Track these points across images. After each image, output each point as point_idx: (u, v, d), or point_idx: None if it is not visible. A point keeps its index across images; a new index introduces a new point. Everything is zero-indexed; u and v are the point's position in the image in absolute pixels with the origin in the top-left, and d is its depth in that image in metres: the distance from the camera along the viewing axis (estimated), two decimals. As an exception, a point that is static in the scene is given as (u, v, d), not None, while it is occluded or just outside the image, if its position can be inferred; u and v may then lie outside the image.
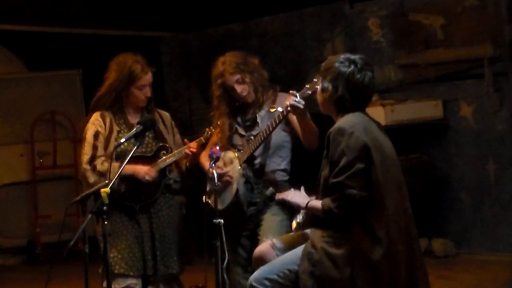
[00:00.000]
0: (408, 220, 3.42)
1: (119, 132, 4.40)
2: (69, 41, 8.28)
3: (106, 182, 3.83)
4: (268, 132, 4.15)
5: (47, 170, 8.22)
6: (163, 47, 8.98)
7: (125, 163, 3.79)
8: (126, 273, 4.29)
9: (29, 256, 8.03)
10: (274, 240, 3.77)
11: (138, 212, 4.38)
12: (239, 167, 4.30)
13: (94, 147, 4.35)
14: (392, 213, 3.33)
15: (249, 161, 4.31)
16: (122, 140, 4.00)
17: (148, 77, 4.40)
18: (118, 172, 3.75)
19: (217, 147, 4.08)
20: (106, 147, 4.37)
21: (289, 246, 3.68)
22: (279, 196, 3.80)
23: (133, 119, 4.45)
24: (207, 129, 4.39)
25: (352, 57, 3.48)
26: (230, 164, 4.34)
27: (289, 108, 3.91)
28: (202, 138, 4.39)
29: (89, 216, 3.53)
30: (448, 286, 5.73)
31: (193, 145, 4.35)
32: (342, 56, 3.49)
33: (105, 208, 3.46)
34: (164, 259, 4.38)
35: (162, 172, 4.41)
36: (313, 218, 3.55)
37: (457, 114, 6.76)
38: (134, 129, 4.04)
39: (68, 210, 4.08)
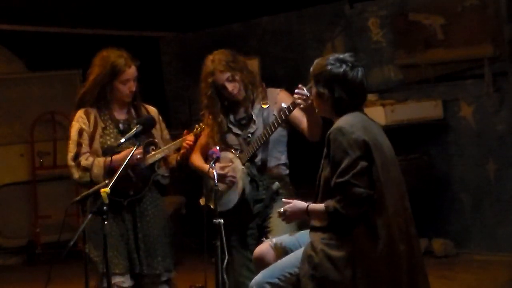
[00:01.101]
0: (408, 220, 3.41)
1: (104, 128, 4.36)
2: (69, 41, 8.28)
3: (106, 182, 3.83)
4: (274, 129, 4.14)
5: (47, 170, 8.22)
6: (163, 47, 8.99)
7: (120, 169, 3.77)
8: (111, 271, 4.25)
9: (29, 256, 8.02)
10: (274, 241, 3.76)
11: (124, 209, 4.32)
12: (242, 166, 4.31)
13: (79, 144, 4.32)
14: (392, 213, 3.33)
15: (250, 159, 4.31)
16: (122, 140, 4.04)
17: (131, 71, 4.34)
18: (116, 175, 3.71)
19: (217, 147, 4.07)
20: (90, 144, 4.34)
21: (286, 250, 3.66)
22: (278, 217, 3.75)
23: (119, 114, 4.42)
24: (197, 125, 4.37)
25: (341, 56, 3.47)
26: (231, 164, 4.33)
27: (298, 101, 3.85)
28: (198, 128, 4.37)
29: (89, 216, 3.54)
30: (448, 286, 5.73)
31: (190, 138, 4.32)
32: (331, 58, 3.46)
33: (105, 208, 3.46)
34: (148, 259, 4.33)
35: (151, 168, 4.39)
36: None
37: (457, 114, 6.76)
38: (134, 129, 4.06)
39: (68, 210, 4.08)
